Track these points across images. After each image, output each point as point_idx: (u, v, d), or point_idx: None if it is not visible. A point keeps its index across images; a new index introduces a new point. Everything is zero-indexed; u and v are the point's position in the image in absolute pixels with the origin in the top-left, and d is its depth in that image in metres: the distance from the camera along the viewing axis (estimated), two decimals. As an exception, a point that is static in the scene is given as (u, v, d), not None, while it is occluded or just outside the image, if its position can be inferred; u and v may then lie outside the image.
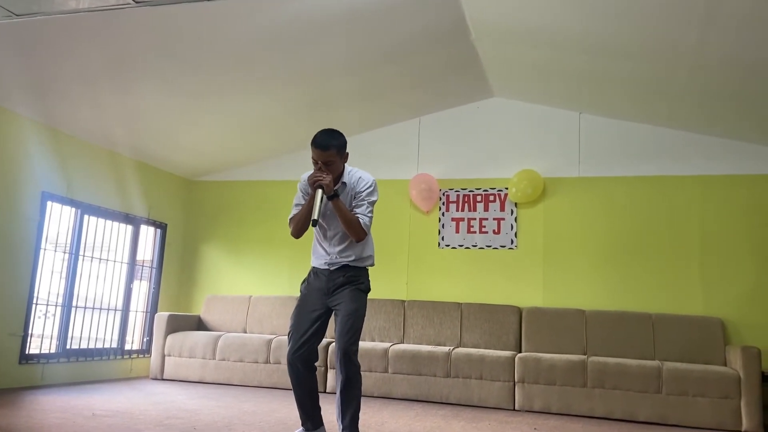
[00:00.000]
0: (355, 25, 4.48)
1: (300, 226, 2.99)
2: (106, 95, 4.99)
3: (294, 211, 3.06)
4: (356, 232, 2.91)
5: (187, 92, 5.16)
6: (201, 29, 4.25)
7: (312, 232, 3.11)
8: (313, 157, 2.90)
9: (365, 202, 2.96)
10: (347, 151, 3.00)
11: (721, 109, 5.16)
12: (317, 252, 3.09)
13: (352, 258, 3.00)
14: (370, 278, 3.11)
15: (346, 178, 3.02)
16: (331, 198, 2.87)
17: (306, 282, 3.12)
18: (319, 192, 2.83)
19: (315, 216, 2.80)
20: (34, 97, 4.86)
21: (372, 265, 3.10)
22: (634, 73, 4.85)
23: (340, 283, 2.98)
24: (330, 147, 2.88)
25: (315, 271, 3.08)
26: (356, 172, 3.04)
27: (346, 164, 3.04)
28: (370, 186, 3.00)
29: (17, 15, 2.90)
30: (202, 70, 4.82)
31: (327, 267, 3.02)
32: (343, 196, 2.97)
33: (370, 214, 2.97)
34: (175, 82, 4.96)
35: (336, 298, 2.98)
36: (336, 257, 3.00)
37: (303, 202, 3.02)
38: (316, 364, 3.08)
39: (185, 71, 4.81)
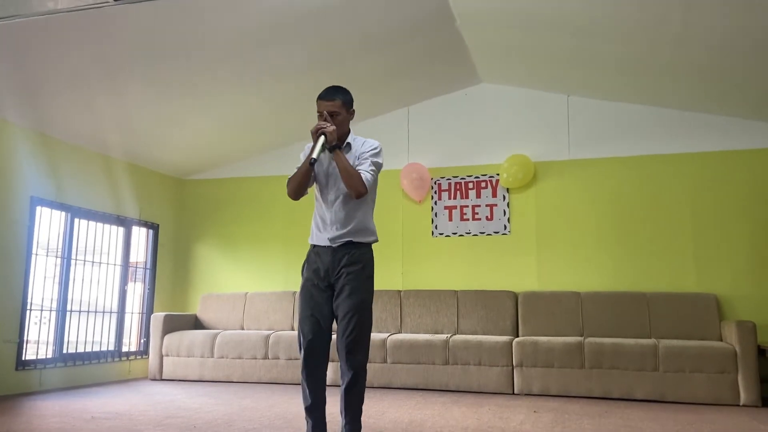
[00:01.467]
0: (339, 16, 4.45)
1: (297, 181, 2.84)
2: (93, 97, 4.95)
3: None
4: (356, 185, 2.77)
5: (175, 91, 5.12)
6: (185, 26, 4.21)
7: (311, 206, 2.99)
8: (318, 111, 2.86)
9: (369, 160, 2.87)
10: (353, 109, 2.95)
11: (708, 86, 5.16)
12: (317, 225, 2.93)
13: (354, 228, 2.86)
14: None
15: (351, 140, 2.95)
16: (332, 149, 2.80)
17: (306, 264, 2.93)
18: (321, 138, 2.75)
19: (314, 155, 2.70)
20: (21, 103, 4.82)
21: (375, 240, 2.95)
22: (619, 53, 4.85)
23: (345, 264, 2.83)
24: (335, 97, 2.87)
25: (316, 251, 2.90)
26: (364, 139, 2.98)
27: (353, 134, 2.97)
28: (375, 148, 2.93)
29: (-5, 18, 2.86)
30: (189, 67, 4.79)
31: (329, 244, 2.86)
32: (348, 157, 2.87)
33: (372, 171, 2.85)
34: (162, 82, 4.92)
35: (340, 285, 2.82)
36: (338, 228, 2.85)
37: None
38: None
39: (172, 70, 4.77)
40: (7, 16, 2.86)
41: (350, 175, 2.78)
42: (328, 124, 2.79)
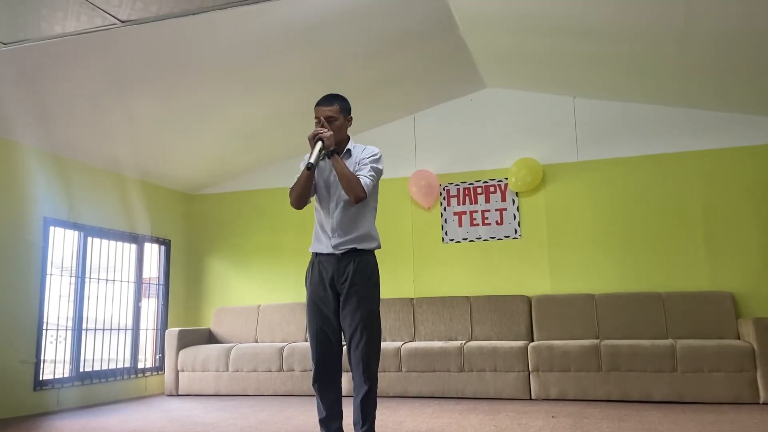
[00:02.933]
0: (342, 27, 4.48)
1: (299, 190, 2.85)
2: (103, 116, 4.99)
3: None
4: (354, 190, 2.76)
5: (183, 107, 5.16)
6: (191, 43, 4.25)
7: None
8: (315, 117, 2.86)
9: (368, 165, 2.86)
10: (351, 116, 2.95)
11: (714, 83, 5.14)
12: (318, 234, 2.92)
13: (358, 235, 2.85)
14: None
15: (351, 147, 2.95)
16: (331, 155, 2.80)
17: (309, 274, 2.91)
18: (319, 144, 2.74)
19: (312, 160, 2.69)
20: (33, 124, 4.87)
21: (378, 247, 2.93)
22: (624, 54, 4.84)
23: (351, 273, 2.80)
24: (333, 103, 2.88)
25: (319, 260, 2.88)
26: (363, 146, 2.98)
27: (353, 141, 2.98)
28: (375, 154, 2.92)
29: (5, 43, 2.90)
30: (196, 83, 4.83)
31: (332, 251, 2.84)
32: (348, 164, 2.86)
33: (371, 176, 2.84)
34: (170, 98, 4.97)
35: (346, 295, 2.80)
36: (340, 235, 2.83)
37: None
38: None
39: (179, 86, 4.82)
40: (17, 40, 2.89)
41: (349, 180, 2.77)
42: (326, 130, 2.79)
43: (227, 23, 4.09)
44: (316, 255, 2.92)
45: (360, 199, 2.80)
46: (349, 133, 3.00)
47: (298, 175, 2.88)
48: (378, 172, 2.91)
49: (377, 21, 4.54)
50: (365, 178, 2.82)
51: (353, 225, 2.87)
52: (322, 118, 2.85)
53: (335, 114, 2.87)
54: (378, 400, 2.99)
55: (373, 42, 4.87)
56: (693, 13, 3.95)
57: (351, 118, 2.97)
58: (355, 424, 2.84)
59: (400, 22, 4.66)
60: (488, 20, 4.76)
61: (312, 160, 2.70)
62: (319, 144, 2.74)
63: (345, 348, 2.91)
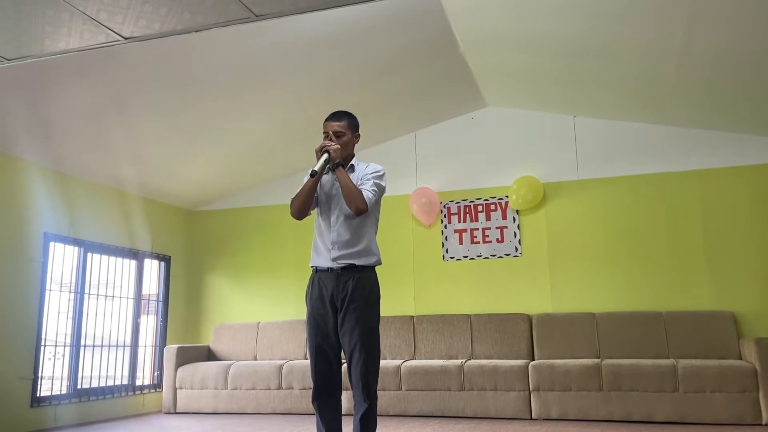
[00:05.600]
0: (344, 45, 4.52)
1: (302, 200, 2.87)
2: (104, 133, 5.02)
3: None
4: (356, 202, 2.77)
5: (184, 124, 5.19)
6: (193, 60, 4.28)
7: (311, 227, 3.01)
8: (324, 131, 2.91)
9: (371, 180, 2.89)
10: (359, 134, 3.00)
11: (714, 102, 5.16)
12: (318, 247, 2.91)
13: (358, 250, 2.84)
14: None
15: (355, 164, 2.98)
16: (335, 168, 2.83)
17: (309, 293, 2.90)
18: (325, 155, 2.78)
19: (316, 168, 2.73)
20: (34, 140, 4.89)
21: (379, 263, 2.93)
22: (624, 73, 4.87)
23: (350, 290, 2.79)
24: (342, 119, 2.93)
25: (319, 276, 2.87)
26: (367, 163, 3.02)
27: (357, 159, 3.01)
28: (379, 171, 2.95)
29: (8, 59, 2.92)
30: (198, 100, 4.85)
31: (331, 265, 2.83)
32: (351, 179, 2.88)
33: (374, 190, 2.86)
34: (172, 115, 4.99)
35: (345, 312, 2.79)
36: (339, 248, 2.83)
37: None
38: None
39: (181, 103, 4.84)
40: (20, 57, 2.92)
41: (351, 192, 2.79)
42: (333, 143, 2.83)
43: (229, 42, 4.12)
44: (316, 271, 2.92)
45: (361, 211, 2.81)
46: (354, 150, 3.03)
47: (301, 187, 2.91)
48: (380, 188, 2.93)
49: (379, 40, 4.58)
50: (367, 192, 2.84)
51: (354, 239, 2.87)
52: (330, 132, 2.90)
53: (344, 129, 2.91)
54: (378, 419, 2.96)
55: (374, 60, 4.90)
56: (693, 33, 3.99)
57: (359, 135, 3.01)
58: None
59: (402, 41, 4.69)
60: (489, 39, 4.80)
61: (316, 168, 2.74)
62: (325, 155, 2.78)
63: (345, 366, 2.89)
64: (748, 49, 4.05)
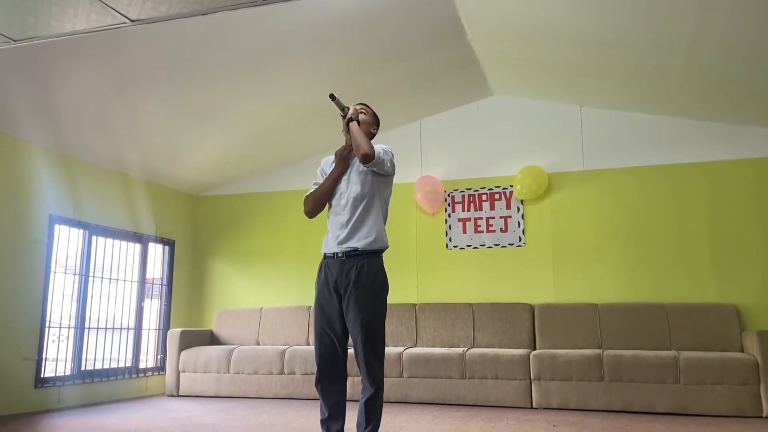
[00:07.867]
0: (352, 30, 4.49)
1: (316, 201, 2.98)
2: (111, 116, 5.02)
3: (312, 189, 3.02)
4: (364, 149, 2.82)
5: (190, 108, 5.18)
6: (200, 44, 4.27)
7: (325, 221, 3.03)
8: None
9: (381, 150, 2.95)
10: (377, 128, 3.13)
11: (721, 94, 5.13)
12: (328, 233, 2.97)
13: (363, 233, 2.86)
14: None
15: None
16: (349, 122, 2.93)
17: (317, 276, 2.96)
18: (346, 106, 2.97)
19: (334, 94, 2.89)
20: (40, 122, 4.89)
21: (386, 247, 2.94)
22: (631, 64, 4.84)
23: (354, 277, 2.81)
24: (368, 107, 3.09)
25: (326, 262, 2.92)
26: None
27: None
28: (387, 148, 3.02)
29: (15, 40, 2.92)
30: (205, 84, 4.84)
31: (337, 250, 2.87)
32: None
33: (381, 152, 2.93)
34: (178, 99, 4.98)
35: (349, 299, 2.81)
36: (346, 231, 2.86)
37: (321, 181, 3.02)
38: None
39: (187, 87, 4.83)
40: (26, 38, 2.91)
41: (361, 141, 2.85)
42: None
43: (235, 25, 4.11)
44: (324, 256, 2.97)
45: (368, 156, 2.83)
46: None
47: (316, 182, 3.04)
48: (389, 157, 2.98)
49: (386, 27, 4.55)
50: (376, 147, 2.92)
51: (361, 222, 2.90)
52: (357, 106, 3.05)
53: (366, 110, 3.07)
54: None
55: (381, 47, 4.88)
56: (703, 25, 3.95)
57: (377, 128, 3.13)
58: (358, 426, 2.84)
59: (409, 28, 4.67)
60: (497, 28, 4.77)
61: (337, 99, 2.90)
62: (346, 107, 2.97)
63: (352, 351, 2.92)
64: (759, 39, 4.01)
